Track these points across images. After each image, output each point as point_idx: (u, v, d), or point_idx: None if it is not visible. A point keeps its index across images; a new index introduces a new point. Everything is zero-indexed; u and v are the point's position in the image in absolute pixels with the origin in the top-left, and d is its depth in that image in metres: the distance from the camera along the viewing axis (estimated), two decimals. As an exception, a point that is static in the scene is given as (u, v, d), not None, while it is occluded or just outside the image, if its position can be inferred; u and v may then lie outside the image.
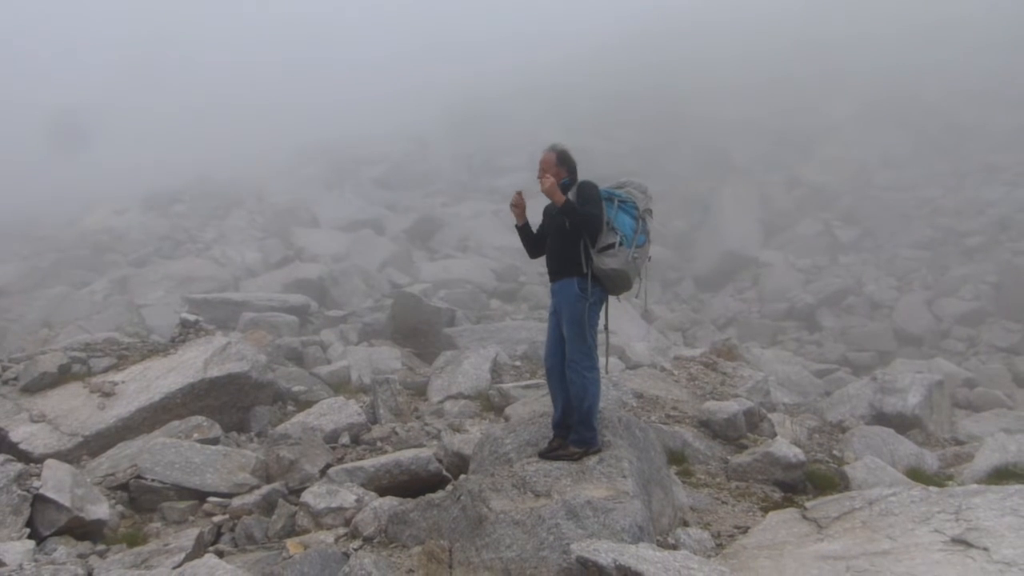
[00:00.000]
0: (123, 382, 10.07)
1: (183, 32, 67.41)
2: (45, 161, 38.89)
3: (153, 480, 7.77)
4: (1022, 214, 26.55)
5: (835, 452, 9.33)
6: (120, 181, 35.90)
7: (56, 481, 6.95)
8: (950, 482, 7.88)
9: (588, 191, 5.83)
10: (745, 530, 6.05)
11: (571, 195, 5.85)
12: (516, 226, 6.23)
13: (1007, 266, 23.85)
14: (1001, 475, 7.92)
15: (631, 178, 6.16)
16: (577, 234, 5.77)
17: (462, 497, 5.72)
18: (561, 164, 5.98)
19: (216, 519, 7.26)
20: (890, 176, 32.18)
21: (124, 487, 7.90)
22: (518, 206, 6.10)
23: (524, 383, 11.38)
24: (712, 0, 52.30)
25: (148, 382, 10.00)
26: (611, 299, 6.03)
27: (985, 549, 4.71)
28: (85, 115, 45.51)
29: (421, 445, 8.79)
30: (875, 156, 33.46)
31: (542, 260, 6.21)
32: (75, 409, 9.55)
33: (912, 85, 36.38)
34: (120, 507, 7.59)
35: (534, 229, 6.30)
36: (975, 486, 5.97)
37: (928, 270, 25.61)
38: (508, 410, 10.05)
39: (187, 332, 11.43)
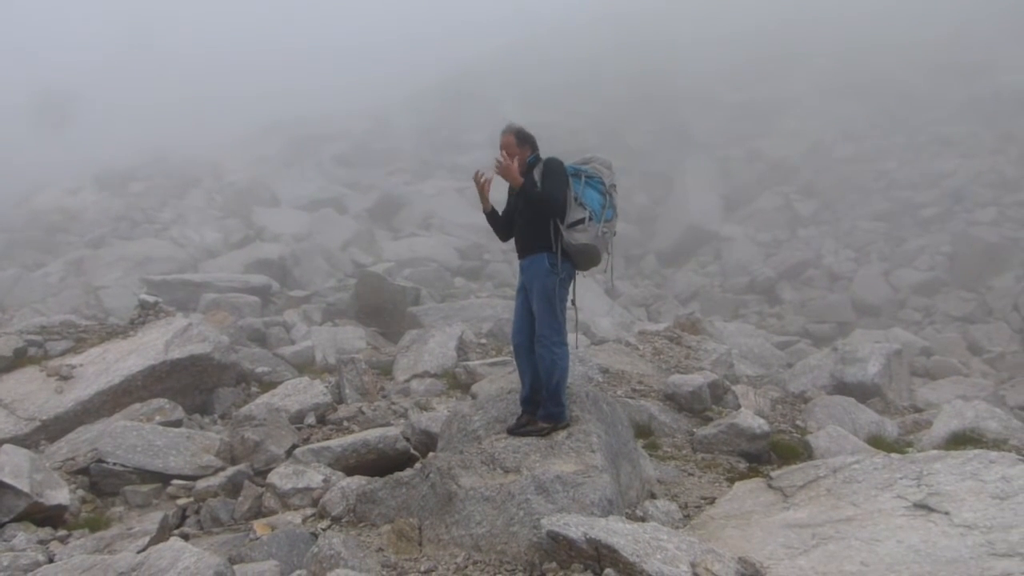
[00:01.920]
0: (81, 365, 9.86)
1: (139, 10, 65.79)
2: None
3: (115, 464, 7.62)
4: (975, 185, 27.07)
5: (798, 422, 9.48)
6: (72, 159, 35.00)
7: (13, 466, 6.78)
8: (910, 449, 8.05)
9: (554, 168, 5.79)
10: (712, 501, 6.12)
11: (537, 172, 5.81)
12: (484, 212, 6.12)
13: (961, 236, 24.34)
14: (959, 440, 8.12)
15: (596, 153, 6.13)
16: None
17: (431, 475, 5.70)
18: (522, 144, 5.91)
19: (181, 502, 7.15)
20: (848, 149, 32.58)
21: (84, 471, 7.74)
22: (481, 188, 5.91)
23: (490, 360, 11.35)
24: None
25: (107, 365, 9.81)
26: (577, 275, 6.02)
27: (946, 513, 4.82)
28: (36, 94, 44.27)
29: (388, 424, 8.75)
30: (833, 129, 33.84)
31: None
32: (32, 393, 9.34)
33: (867, 59, 36.78)
34: (81, 492, 7.44)
35: (500, 211, 6.21)
36: (935, 452, 6.11)
37: (885, 241, 26.04)
38: (475, 387, 10.03)
39: (147, 314, 11.21)
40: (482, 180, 5.85)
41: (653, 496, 6.22)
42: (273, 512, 6.63)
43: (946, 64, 34.88)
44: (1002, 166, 27.57)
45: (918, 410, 11.00)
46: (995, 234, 23.76)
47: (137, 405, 9.17)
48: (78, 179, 33.84)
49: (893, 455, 6.01)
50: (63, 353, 10.37)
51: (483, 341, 13.13)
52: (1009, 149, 28.58)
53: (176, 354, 9.98)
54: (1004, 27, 35.04)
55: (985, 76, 32.77)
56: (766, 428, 7.79)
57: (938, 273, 23.41)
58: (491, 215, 6.14)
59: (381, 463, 7.29)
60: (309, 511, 6.48)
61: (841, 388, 11.30)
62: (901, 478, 5.40)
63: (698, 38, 41.85)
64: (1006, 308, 20.98)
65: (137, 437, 7.91)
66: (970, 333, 19.82)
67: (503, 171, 5.70)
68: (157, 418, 8.86)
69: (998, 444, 7.94)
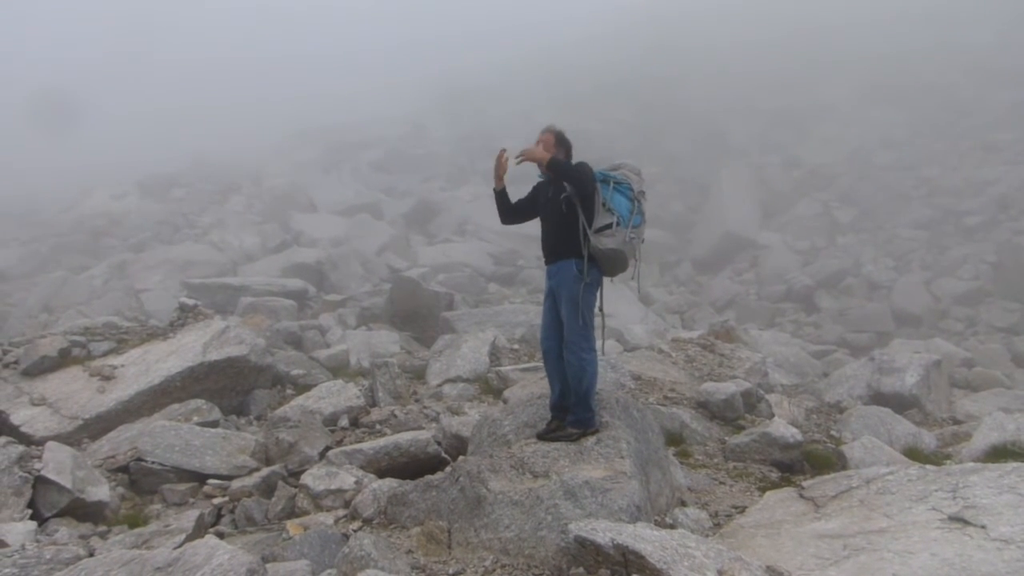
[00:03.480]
0: (123, 366, 10.07)
1: (182, 17, 67.13)
2: (42, 145, 38.80)
3: (153, 462, 7.80)
4: (1021, 193, 26.46)
5: (832, 432, 9.36)
6: (117, 166, 35.82)
7: (57, 463, 6.98)
8: (948, 461, 7.90)
9: (582, 167, 5.85)
10: (743, 510, 6.08)
11: None
12: (494, 189, 6.24)
13: (1006, 246, 23.82)
14: (999, 454, 7.93)
15: (625, 160, 6.18)
16: (574, 215, 5.77)
17: (461, 478, 5.74)
18: (559, 144, 6.01)
19: (216, 501, 7.29)
20: (888, 156, 32.09)
21: (124, 469, 7.93)
22: (501, 166, 6.08)
23: (522, 366, 11.38)
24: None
25: (147, 366, 10.01)
26: (608, 281, 6.04)
27: (983, 527, 4.72)
28: (82, 99, 45.38)
29: (420, 428, 8.82)
30: (873, 136, 33.36)
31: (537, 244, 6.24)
32: (75, 392, 9.57)
33: (909, 64, 36.22)
34: (120, 489, 7.62)
35: (513, 201, 6.31)
36: (972, 464, 5.99)
37: (927, 250, 25.59)
38: (507, 393, 10.05)
39: (186, 316, 11.42)
40: (505, 159, 6.02)
41: (683, 504, 6.19)
42: (306, 512, 6.72)
43: (990, 69, 34.21)
44: (1050, 174, 26.95)
45: (957, 422, 10.77)
46: (1042, 243, 23.23)
47: (176, 405, 9.35)
48: (123, 185, 34.60)
49: (928, 467, 5.91)
50: (105, 354, 10.59)
51: (516, 347, 13.16)
52: (1057, 156, 27.94)
53: (214, 356, 10.15)
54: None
55: (1031, 82, 32.08)
56: (799, 437, 7.70)
57: (982, 283, 22.91)
58: (501, 194, 6.25)
59: (412, 466, 7.36)
60: (341, 512, 6.57)
61: (878, 398, 11.13)
62: (936, 490, 5.30)
63: (736, 44, 41.53)
64: (1053, 319, 20.50)
65: (175, 437, 8.08)
66: (1014, 344, 19.38)
67: (528, 154, 5.81)
68: (195, 418, 9.03)
69: (1040, 458, 7.74)
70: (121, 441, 8.52)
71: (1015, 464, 5.56)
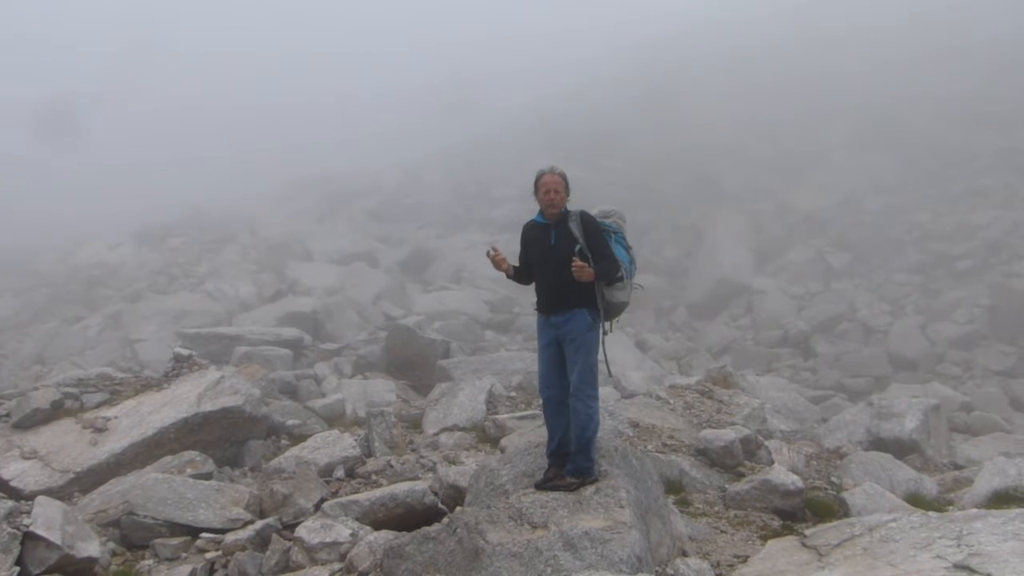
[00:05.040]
0: (116, 417, 9.98)
1: (176, 67, 68.08)
2: (37, 195, 39.03)
3: (145, 516, 7.66)
4: (1012, 237, 26.68)
5: (833, 479, 9.28)
6: (113, 216, 35.97)
7: (46, 518, 6.84)
8: (950, 507, 7.83)
9: (598, 228, 5.91)
10: (744, 559, 6.00)
11: (574, 227, 5.89)
12: (508, 276, 6.26)
13: (1000, 289, 23.90)
14: (1001, 499, 7.87)
15: (612, 207, 6.26)
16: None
17: (458, 530, 5.66)
18: (566, 188, 6.06)
19: (209, 556, 7.15)
20: (880, 201, 32.38)
21: (116, 524, 7.80)
22: (501, 263, 6.06)
23: (520, 414, 11.29)
24: (702, 32, 53.01)
25: (141, 417, 9.92)
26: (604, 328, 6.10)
27: (988, 575, 4.66)
28: (77, 149, 45.76)
29: (416, 478, 8.72)
30: (864, 182, 33.69)
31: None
32: (67, 445, 9.46)
33: (898, 112, 36.76)
34: (111, 544, 7.48)
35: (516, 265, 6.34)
36: (976, 511, 5.94)
37: (920, 294, 25.67)
38: (504, 441, 9.98)
39: (180, 367, 11.36)
40: (498, 257, 6.01)
41: (684, 554, 6.10)
42: (301, 567, 6.61)
43: (978, 115, 34.72)
44: (1039, 217, 27.20)
45: (958, 467, 10.72)
46: (1034, 286, 23.32)
47: (169, 457, 9.24)
48: (118, 235, 34.70)
49: (931, 513, 5.85)
50: (99, 405, 10.51)
51: (512, 394, 13.08)
52: (1046, 200, 28.23)
53: (208, 407, 10.07)
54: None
55: (1019, 127, 32.53)
56: (800, 485, 7.64)
57: (977, 326, 22.94)
58: (514, 274, 6.27)
59: (409, 517, 7.26)
60: (336, 566, 6.46)
61: (877, 444, 11.08)
62: (940, 537, 5.24)
63: (727, 92, 42.13)
64: (1049, 362, 20.50)
65: (168, 490, 7.96)
66: (1012, 388, 19.33)
67: (583, 275, 5.70)
68: (188, 470, 8.91)
69: (1043, 503, 7.68)
70: (113, 495, 8.40)
71: (1019, 510, 5.51)
